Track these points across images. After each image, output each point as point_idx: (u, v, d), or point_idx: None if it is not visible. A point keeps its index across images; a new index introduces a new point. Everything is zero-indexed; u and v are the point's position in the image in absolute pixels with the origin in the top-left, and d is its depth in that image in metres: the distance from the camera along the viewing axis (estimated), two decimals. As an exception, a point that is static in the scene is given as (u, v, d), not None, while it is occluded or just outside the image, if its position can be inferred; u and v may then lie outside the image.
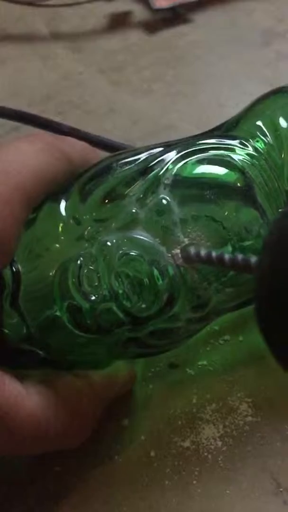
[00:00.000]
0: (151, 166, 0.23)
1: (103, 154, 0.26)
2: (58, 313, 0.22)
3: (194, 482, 0.24)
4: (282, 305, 0.15)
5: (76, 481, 0.24)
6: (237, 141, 0.25)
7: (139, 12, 0.51)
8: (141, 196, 0.23)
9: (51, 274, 0.22)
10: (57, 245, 0.22)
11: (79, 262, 0.22)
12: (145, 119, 0.40)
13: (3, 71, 0.47)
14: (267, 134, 0.25)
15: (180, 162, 0.24)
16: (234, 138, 0.25)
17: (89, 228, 0.22)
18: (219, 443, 0.25)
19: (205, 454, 0.24)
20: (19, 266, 0.22)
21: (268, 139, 0.25)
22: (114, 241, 0.22)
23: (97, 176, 0.23)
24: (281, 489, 0.23)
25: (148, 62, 0.46)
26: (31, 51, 0.48)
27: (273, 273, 0.16)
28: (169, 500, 0.23)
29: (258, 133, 0.25)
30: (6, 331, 0.22)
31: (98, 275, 0.22)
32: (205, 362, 0.27)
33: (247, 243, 0.23)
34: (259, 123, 0.25)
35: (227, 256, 0.20)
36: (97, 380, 0.23)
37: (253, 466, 0.24)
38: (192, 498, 0.23)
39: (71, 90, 0.44)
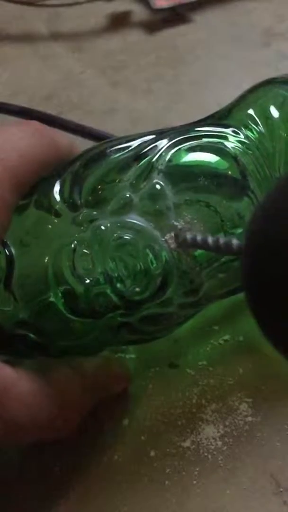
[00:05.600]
0: (144, 152, 0.24)
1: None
2: (52, 298, 0.22)
3: (194, 482, 0.24)
4: (269, 285, 0.15)
5: (76, 481, 0.24)
6: (230, 129, 0.25)
7: (139, 12, 0.51)
8: (135, 181, 0.23)
9: (45, 258, 0.22)
10: (52, 230, 0.22)
11: (73, 246, 0.22)
12: (145, 119, 0.40)
13: (3, 71, 0.47)
14: (259, 123, 0.25)
15: (173, 148, 0.24)
16: (226, 126, 0.25)
17: (83, 212, 0.22)
18: (219, 443, 0.25)
19: (205, 454, 0.24)
20: (12, 250, 0.22)
21: (259, 128, 0.25)
22: (109, 225, 0.22)
23: (91, 162, 0.24)
24: (281, 489, 0.23)
25: (148, 62, 0.46)
26: (31, 51, 0.48)
27: (258, 251, 0.16)
28: (169, 500, 0.23)
29: (250, 122, 0.25)
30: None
31: (92, 259, 0.22)
32: (205, 362, 0.27)
33: (239, 230, 0.23)
34: (250, 112, 0.25)
35: (220, 240, 0.20)
36: (89, 371, 0.24)
37: (253, 466, 0.24)
38: (192, 498, 0.23)
39: (71, 90, 0.44)
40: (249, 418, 0.25)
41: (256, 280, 0.16)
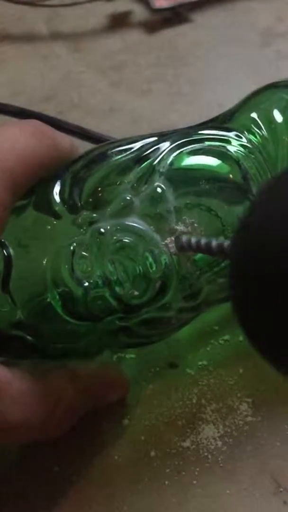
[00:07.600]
0: (146, 154, 0.23)
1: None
2: (49, 300, 0.22)
3: (194, 482, 0.24)
4: (255, 292, 0.15)
5: (76, 481, 0.24)
6: (233, 133, 0.25)
7: (139, 12, 0.51)
8: (136, 184, 0.23)
9: (43, 260, 0.22)
10: (50, 232, 0.22)
11: (72, 248, 0.22)
12: (145, 119, 0.40)
13: (3, 71, 0.47)
14: (262, 127, 0.25)
15: (175, 151, 0.24)
16: (229, 130, 0.25)
17: (83, 214, 0.22)
18: (219, 443, 0.25)
19: (205, 454, 0.24)
20: (11, 251, 0.22)
21: (263, 132, 0.25)
22: (108, 228, 0.22)
23: (92, 163, 0.23)
24: (281, 489, 0.23)
25: (148, 62, 0.46)
26: (31, 51, 0.48)
27: (246, 257, 0.16)
28: (169, 500, 0.23)
29: (253, 126, 0.25)
30: None
31: (91, 261, 0.22)
32: (205, 362, 0.27)
33: None
34: (254, 115, 0.25)
35: (221, 244, 0.20)
36: (84, 375, 0.24)
37: (253, 466, 0.24)
38: (192, 498, 0.23)
39: (71, 90, 0.44)
40: (249, 418, 0.25)
41: (241, 282, 0.16)
